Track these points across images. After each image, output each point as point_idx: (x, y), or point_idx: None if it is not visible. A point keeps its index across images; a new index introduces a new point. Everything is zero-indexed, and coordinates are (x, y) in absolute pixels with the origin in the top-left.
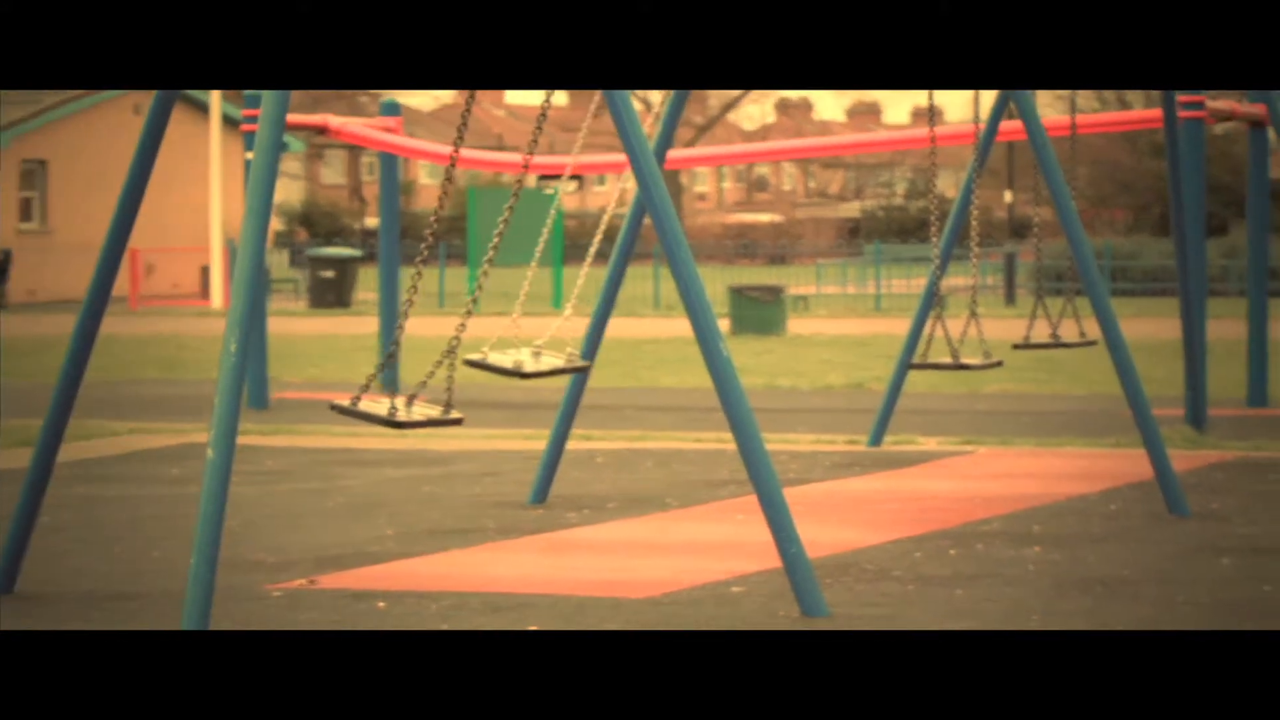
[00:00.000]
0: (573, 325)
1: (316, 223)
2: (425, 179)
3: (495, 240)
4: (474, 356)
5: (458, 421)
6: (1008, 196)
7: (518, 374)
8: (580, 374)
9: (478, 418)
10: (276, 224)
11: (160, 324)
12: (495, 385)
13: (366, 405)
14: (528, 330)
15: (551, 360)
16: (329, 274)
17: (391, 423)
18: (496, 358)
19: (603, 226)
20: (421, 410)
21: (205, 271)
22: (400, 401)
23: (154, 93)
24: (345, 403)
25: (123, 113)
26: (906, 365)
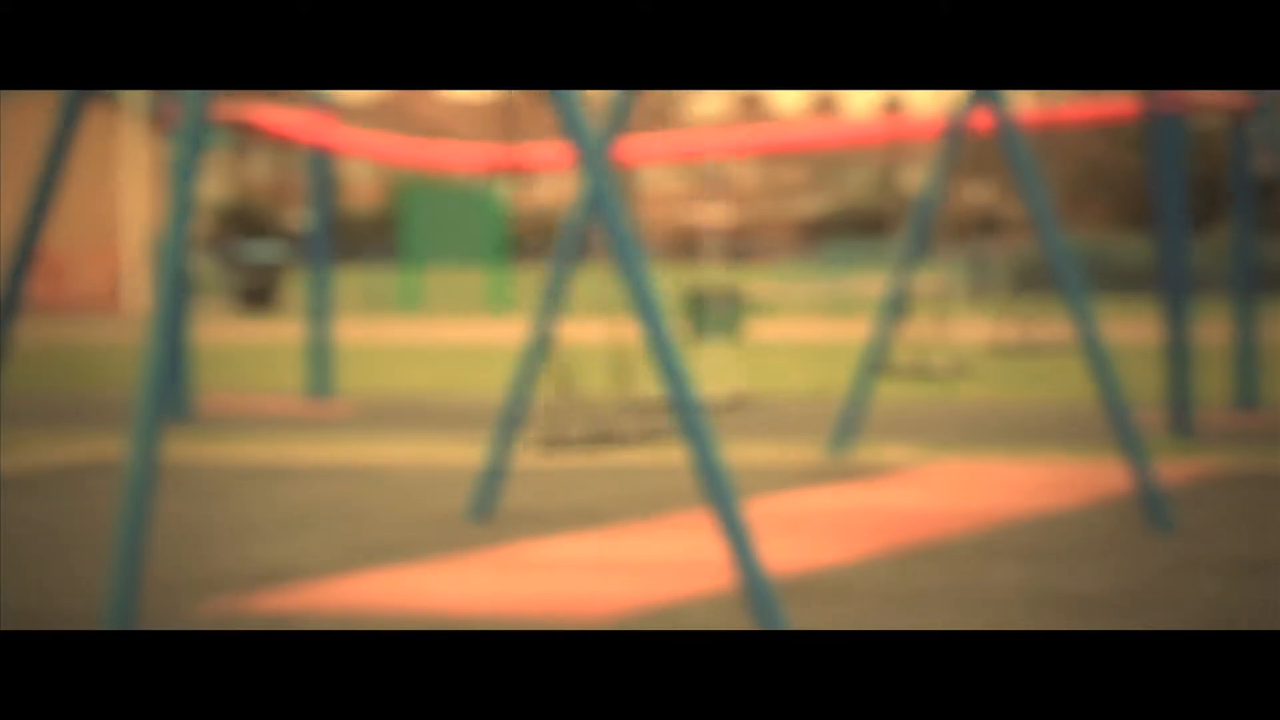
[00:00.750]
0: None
1: (242, 222)
2: (356, 176)
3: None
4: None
5: (668, 432)
6: (978, 194)
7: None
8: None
9: (414, 428)
10: (201, 224)
11: (70, 331)
12: (431, 391)
13: (579, 434)
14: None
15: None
16: (255, 276)
17: (616, 442)
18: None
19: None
20: (632, 426)
21: (115, 275)
22: (605, 426)
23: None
24: (551, 437)
25: (34, 112)
26: (869, 371)
